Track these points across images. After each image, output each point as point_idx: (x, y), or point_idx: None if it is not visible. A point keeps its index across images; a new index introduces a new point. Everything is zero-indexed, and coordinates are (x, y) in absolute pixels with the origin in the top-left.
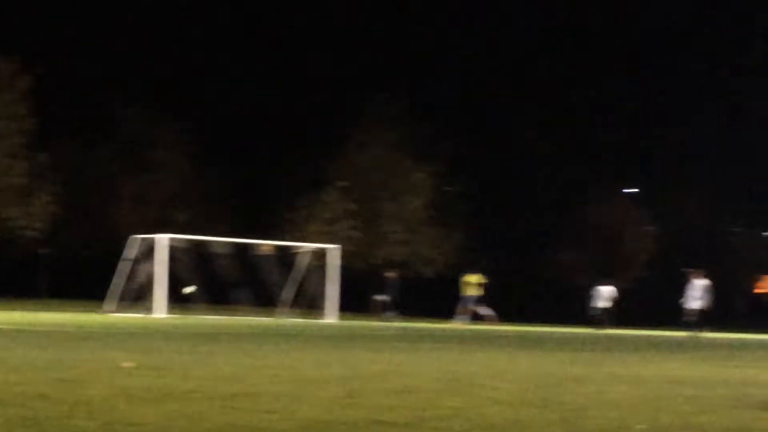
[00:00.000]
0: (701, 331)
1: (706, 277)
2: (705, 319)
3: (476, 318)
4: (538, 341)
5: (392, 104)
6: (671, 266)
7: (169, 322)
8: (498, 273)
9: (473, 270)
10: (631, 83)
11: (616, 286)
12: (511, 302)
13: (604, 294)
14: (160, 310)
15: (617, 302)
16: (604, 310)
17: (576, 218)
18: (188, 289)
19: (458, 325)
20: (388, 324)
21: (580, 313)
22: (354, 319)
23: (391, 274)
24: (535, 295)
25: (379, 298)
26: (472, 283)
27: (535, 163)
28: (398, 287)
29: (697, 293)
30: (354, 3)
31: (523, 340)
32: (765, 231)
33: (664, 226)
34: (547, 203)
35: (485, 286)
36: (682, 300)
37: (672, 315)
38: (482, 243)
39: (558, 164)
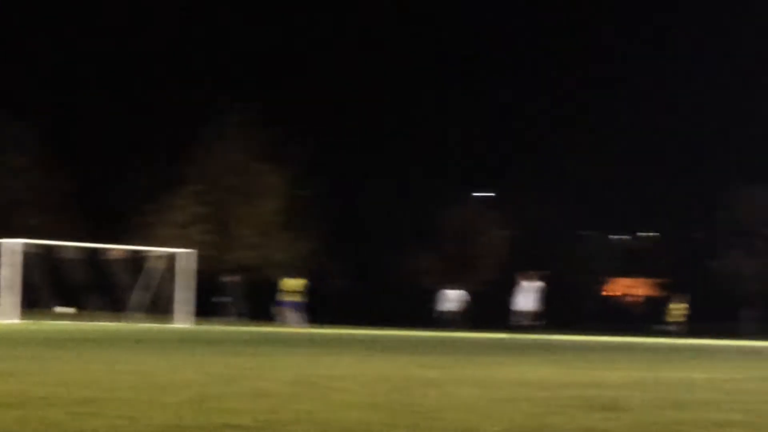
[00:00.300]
0: (532, 332)
1: (539, 279)
2: (537, 321)
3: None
4: (390, 344)
5: (244, 107)
6: (522, 269)
7: (22, 328)
8: (350, 276)
9: (292, 275)
10: (481, 88)
11: (465, 289)
12: (363, 305)
13: (453, 297)
14: (11, 316)
15: (467, 305)
16: (454, 312)
17: (428, 221)
18: (62, 309)
19: (296, 328)
20: (234, 328)
21: (431, 316)
22: (207, 324)
23: (231, 278)
24: (387, 299)
25: (223, 301)
26: (291, 288)
27: (387, 167)
28: (239, 291)
29: (528, 295)
30: (203, 5)
31: (374, 344)
32: (613, 234)
33: (515, 229)
34: (399, 207)
35: (305, 292)
36: (513, 302)
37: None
38: (335, 247)
39: (410, 168)
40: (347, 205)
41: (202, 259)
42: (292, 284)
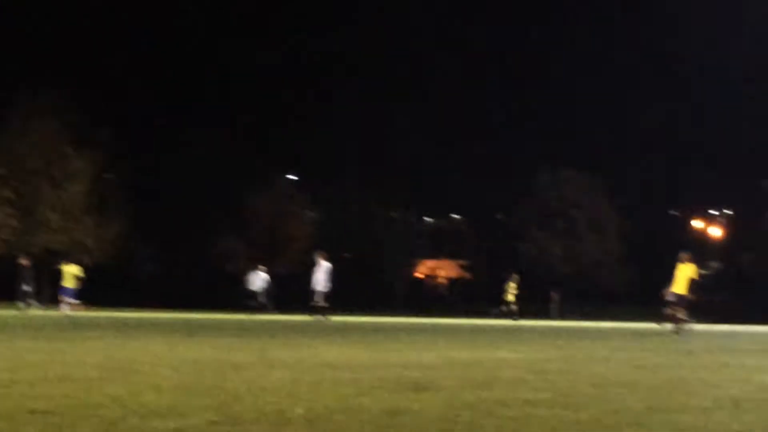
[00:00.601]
0: (325, 314)
1: (327, 259)
2: (329, 301)
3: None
4: (198, 328)
5: (50, 91)
6: (330, 252)
7: None
8: (158, 260)
9: (69, 260)
10: (291, 73)
11: (275, 272)
12: (171, 289)
13: (260, 279)
14: None
15: (273, 288)
16: (261, 295)
17: (236, 205)
18: None
19: (67, 312)
20: (36, 313)
21: (239, 299)
22: (10, 308)
23: (23, 262)
24: (195, 282)
25: (23, 285)
26: (70, 273)
27: (195, 151)
28: (31, 275)
29: (321, 276)
30: None
31: (183, 327)
32: (423, 216)
33: (324, 212)
34: (207, 190)
35: (83, 278)
36: (312, 283)
37: (333, 299)
38: (142, 230)
39: (219, 152)
40: (155, 190)
41: (4, 243)
42: (71, 270)
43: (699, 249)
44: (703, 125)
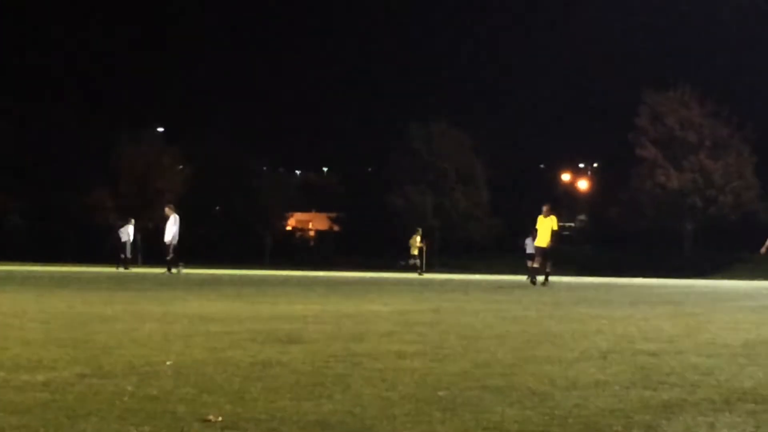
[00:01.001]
0: (176, 266)
1: (174, 211)
2: (175, 253)
3: None
4: (67, 281)
5: None
6: (200, 205)
7: None
8: (29, 213)
9: None
10: (161, 26)
11: (139, 225)
12: (42, 242)
13: (128, 233)
14: None
15: (137, 240)
16: (130, 248)
17: (106, 157)
18: None
19: None
20: None
21: (110, 252)
22: None
23: None
24: (66, 235)
25: None
26: None
27: (66, 104)
28: None
29: (170, 228)
30: None
31: (53, 280)
32: (291, 170)
33: (193, 165)
34: (78, 143)
35: None
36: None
37: (204, 252)
38: (14, 183)
39: (88, 106)
40: (25, 142)
41: None
42: None
43: (567, 202)
44: (574, 81)
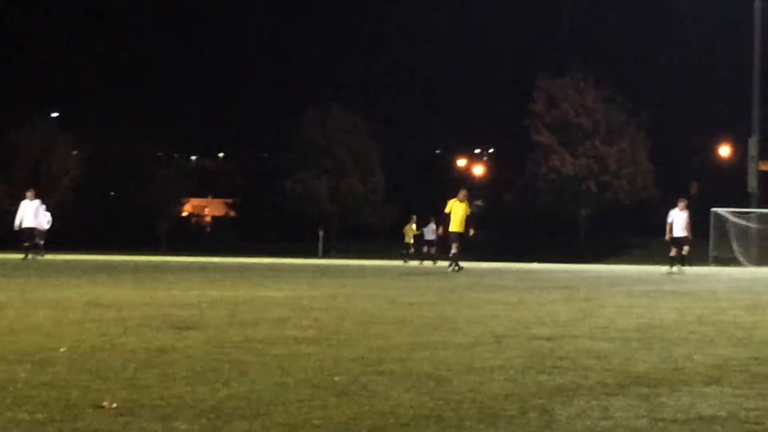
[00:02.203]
0: (33, 252)
1: (34, 196)
2: (32, 239)
3: None
4: None
5: None
6: (95, 190)
7: None
8: None
9: None
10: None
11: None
12: None
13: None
14: None
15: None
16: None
17: (1, 142)
18: None
19: None
20: None
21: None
22: None
23: None
24: None
25: None
26: None
27: None
28: None
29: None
30: None
31: None
32: (188, 155)
33: (88, 150)
34: None
35: None
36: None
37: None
38: None
39: None
40: None
41: None
42: None
43: (464, 187)
44: (471, 67)
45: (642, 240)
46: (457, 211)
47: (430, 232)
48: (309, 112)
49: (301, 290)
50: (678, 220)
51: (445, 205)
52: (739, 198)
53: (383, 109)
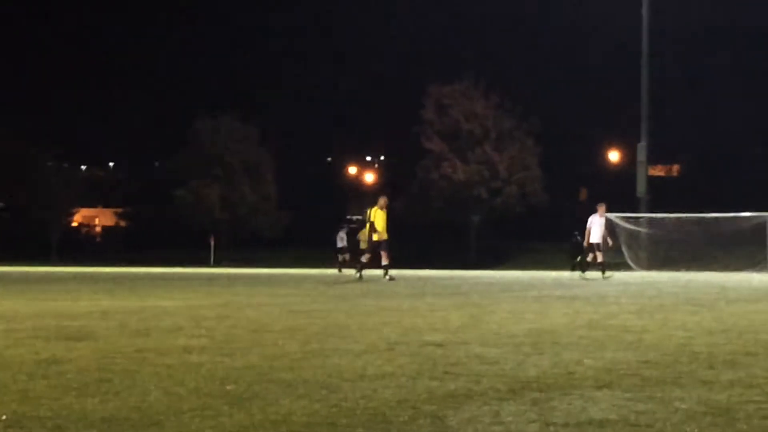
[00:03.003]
0: None
1: None
2: None
3: None
4: None
5: None
6: None
7: None
8: None
9: None
10: None
11: None
12: None
13: None
14: None
15: None
16: None
17: None
18: None
19: None
20: None
21: None
22: None
23: None
24: None
25: None
26: None
27: None
28: None
29: None
30: None
31: None
32: (82, 165)
33: None
34: None
35: None
36: None
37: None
38: None
39: None
40: None
41: None
42: None
43: (354, 195)
44: (362, 74)
45: (533, 245)
46: (380, 219)
47: (340, 239)
48: (197, 121)
49: (192, 299)
50: (595, 227)
51: (365, 214)
52: (629, 203)
53: (274, 116)
